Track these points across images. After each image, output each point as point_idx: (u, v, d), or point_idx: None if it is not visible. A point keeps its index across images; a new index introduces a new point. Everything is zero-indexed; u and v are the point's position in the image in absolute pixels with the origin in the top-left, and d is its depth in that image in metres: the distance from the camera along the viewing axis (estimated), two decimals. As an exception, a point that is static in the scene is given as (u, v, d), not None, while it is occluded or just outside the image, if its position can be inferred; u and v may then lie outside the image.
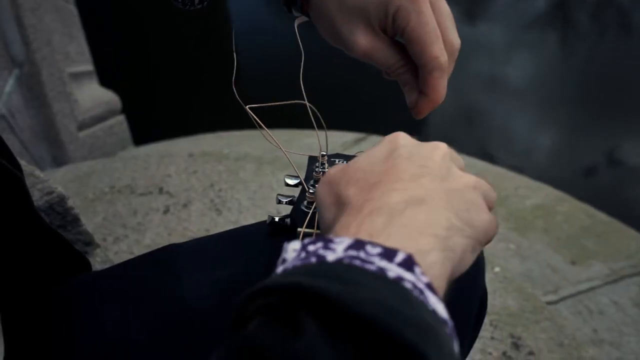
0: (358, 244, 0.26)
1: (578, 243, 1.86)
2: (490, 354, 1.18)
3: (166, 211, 1.53)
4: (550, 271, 1.67)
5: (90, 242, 0.88)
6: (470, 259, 0.32)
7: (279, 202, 0.50)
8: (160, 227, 1.45)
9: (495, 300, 1.32)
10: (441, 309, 0.25)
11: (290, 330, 0.22)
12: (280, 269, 0.27)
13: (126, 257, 1.33)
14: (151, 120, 3.28)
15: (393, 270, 0.25)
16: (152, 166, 1.81)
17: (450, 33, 0.45)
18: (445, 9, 0.45)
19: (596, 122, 3.84)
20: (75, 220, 0.84)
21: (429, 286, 0.25)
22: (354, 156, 0.57)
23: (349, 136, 2.52)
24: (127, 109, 2.60)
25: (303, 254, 0.27)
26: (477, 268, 0.50)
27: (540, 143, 3.76)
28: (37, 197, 0.80)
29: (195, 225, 1.46)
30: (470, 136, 3.70)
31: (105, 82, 2.56)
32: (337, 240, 0.27)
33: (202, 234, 1.42)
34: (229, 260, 0.47)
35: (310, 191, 0.45)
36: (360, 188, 0.33)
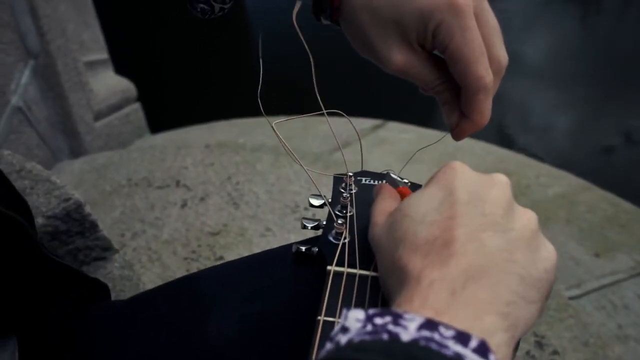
0: (431, 325, 0.25)
1: (601, 234, 1.82)
2: (513, 353, 1.16)
3: (184, 205, 1.52)
4: (574, 264, 1.64)
5: (108, 248, 0.87)
6: (535, 322, 0.31)
7: (304, 227, 0.47)
8: (178, 222, 1.44)
9: (518, 298, 1.29)
10: None
11: None
12: (343, 339, 0.25)
13: (145, 254, 1.33)
14: (167, 107, 3.27)
15: (469, 356, 0.24)
16: (169, 157, 1.80)
17: (497, 49, 0.41)
18: (493, 22, 0.41)
19: (616, 101, 3.76)
20: (93, 226, 0.83)
21: None
22: (381, 174, 0.55)
23: (366, 123, 2.48)
24: (143, 97, 2.59)
25: (369, 327, 0.25)
26: None
27: (560, 123, 3.70)
28: (54, 205, 0.79)
29: (212, 219, 1.45)
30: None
31: (120, 69, 2.55)
32: (407, 316, 0.25)
33: (219, 229, 1.41)
34: (255, 292, 0.46)
35: (339, 222, 0.42)
36: (414, 249, 0.31)
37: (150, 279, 1.25)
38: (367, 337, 0.24)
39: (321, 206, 0.49)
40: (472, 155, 2.23)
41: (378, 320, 0.25)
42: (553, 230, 1.79)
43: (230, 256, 1.31)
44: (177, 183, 1.63)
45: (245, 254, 1.36)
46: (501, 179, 0.34)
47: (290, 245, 0.47)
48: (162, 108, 3.10)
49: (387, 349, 0.23)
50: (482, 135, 2.74)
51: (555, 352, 1.17)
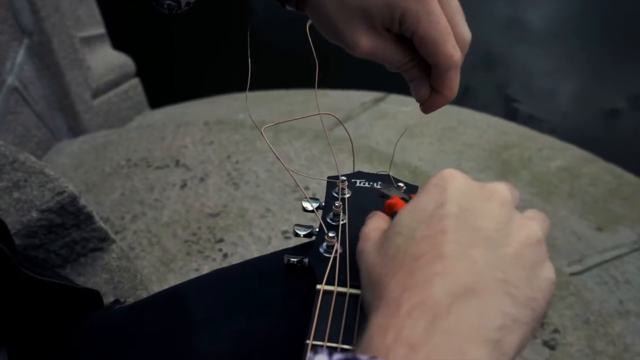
0: None
1: (604, 207, 1.81)
2: (513, 333, 1.17)
3: (183, 186, 1.52)
4: (576, 239, 1.63)
5: (105, 238, 0.86)
6: (527, 343, 0.29)
7: (296, 234, 0.46)
8: (178, 204, 1.44)
9: (519, 276, 1.29)
10: None
11: None
12: None
13: (145, 237, 1.33)
14: (166, 82, 3.24)
15: None
16: (168, 136, 1.78)
17: (460, 27, 0.43)
18: (454, 3, 0.43)
19: (621, 68, 3.70)
20: (89, 218, 0.83)
21: None
22: (376, 174, 0.53)
23: (368, 96, 2.46)
24: (142, 72, 2.56)
25: None
26: None
27: (563, 89, 3.65)
28: (49, 198, 0.78)
29: (212, 201, 1.45)
30: (490, 82, 3.60)
31: (118, 44, 2.51)
32: None
33: (219, 210, 1.41)
34: (243, 308, 0.45)
35: (330, 235, 0.41)
36: (399, 266, 0.29)
37: (151, 263, 1.25)
38: None
39: (313, 211, 0.48)
40: (474, 128, 2.21)
41: None
42: (555, 204, 1.78)
43: (231, 239, 1.31)
44: (177, 163, 1.62)
45: (245, 235, 1.36)
46: (498, 188, 0.32)
47: (280, 254, 0.46)
48: (162, 83, 3.06)
49: None
50: (484, 106, 2.71)
51: (555, 331, 1.17)
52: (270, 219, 1.38)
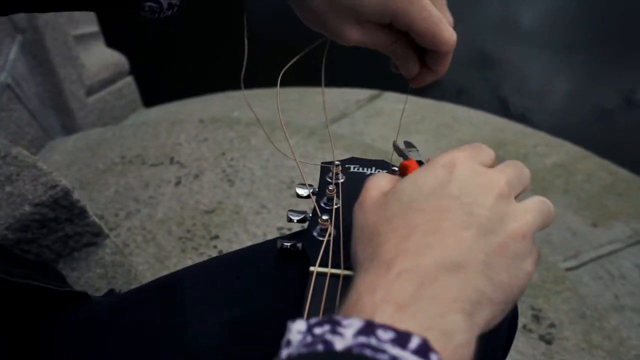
0: (368, 328, 0.25)
1: (599, 203, 1.81)
2: (510, 327, 1.16)
3: (178, 183, 1.51)
4: (571, 235, 1.63)
5: (99, 233, 0.85)
6: (496, 322, 0.30)
7: (290, 220, 0.46)
8: (172, 201, 1.43)
9: (515, 271, 1.29)
10: None
11: None
12: (284, 353, 0.25)
13: (140, 234, 1.32)
14: (161, 80, 3.22)
15: (408, 358, 0.24)
16: (162, 134, 1.78)
17: (446, 14, 0.44)
18: None
19: (615, 65, 3.71)
20: (82, 212, 0.82)
21: None
22: (370, 160, 0.53)
23: (363, 93, 2.45)
24: (135, 70, 2.55)
25: (309, 338, 0.25)
26: None
27: (558, 88, 3.66)
28: (41, 192, 0.77)
29: (207, 197, 1.44)
30: (485, 82, 3.60)
31: (111, 42, 2.50)
32: (345, 323, 0.25)
33: (214, 207, 1.40)
34: (238, 295, 0.44)
35: (324, 217, 0.41)
36: (395, 231, 0.31)
37: (146, 260, 1.24)
38: (304, 350, 0.24)
39: (307, 197, 0.47)
40: (469, 125, 2.21)
41: (317, 330, 0.25)
42: (551, 200, 1.76)
43: (226, 235, 1.31)
44: (171, 160, 1.62)
45: (240, 232, 1.35)
46: (499, 182, 0.33)
47: (272, 241, 0.45)
48: (156, 81, 3.05)
49: None
50: (480, 103, 2.71)
51: (552, 325, 1.17)
52: (265, 216, 1.37)
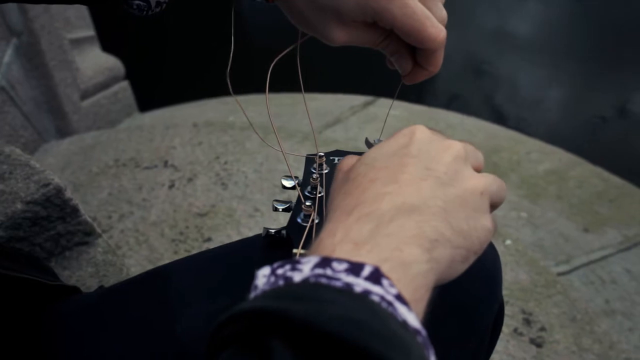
0: (324, 262, 0.26)
1: (591, 209, 1.83)
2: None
3: (171, 186, 1.51)
4: (563, 240, 1.64)
5: (90, 232, 0.85)
6: (460, 268, 0.32)
7: (275, 209, 0.47)
8: (166, 204, 1.43)
9: (506, 275, 1.30)
10: (412, 319, 0.25)
11: (259, 356, 0.22)
12: (251, 295, 0.26)
13: (132, 236, 1.32)
14: (156, 85, 3.23)
15: (360, 284, 0.25)
16: (157, 137, 1.78)
17: (436, 10, 0.43)
18: None
19: (608, 74, 3.74)
20: (75, 211, 0.82)
21: (399, 297, 0.25)
22: (353, 153, 0.54)
23: (357, 99, 2.46)
24: (131, 75, 2.55)
25: (272, 278, 0.26)
26: (494, 283, 0.48)
27: (551, 96, 3.68)
28: (34, 190, 0.77)
29: (201, 200, 1.44)
30: (479, 89, 3.62)
31: (107, 47, 2.50)
32: (304, 260, 0.27)
33: (207, 210, 1.41)
34: (224, 287, 0.45)
35: (307, 204, 0.42)
36: (357, 185, 0.33)
37: (138, 262, 1.24)
38: (267, 288, 0.26)
39: (293, 187, 0.49)
40: (462, 131, 2.22)
41: (279, 271, 0.27)
42: (543, 206, 1.79)
43: (219, 237, 1.31)
44: (165, 163, 1.62)
45: (234, 235, 1.35)
46: (455, 145, 0.36)
47: (260, 236, 0.46)
48: (152, 86, 3.06)
49: (278, 292, 0.24)
50: (473, 110, 2.73)
51: (542, 329, 1.18)
52: (258, 219, 1.38)
